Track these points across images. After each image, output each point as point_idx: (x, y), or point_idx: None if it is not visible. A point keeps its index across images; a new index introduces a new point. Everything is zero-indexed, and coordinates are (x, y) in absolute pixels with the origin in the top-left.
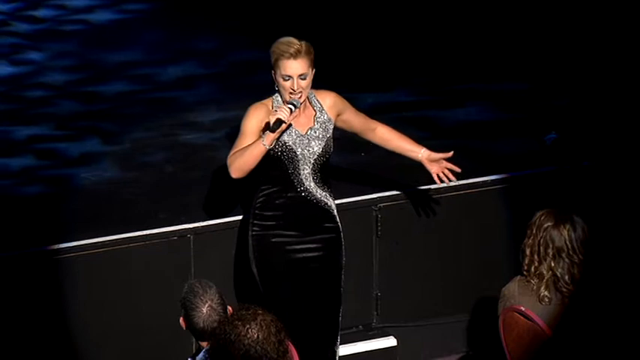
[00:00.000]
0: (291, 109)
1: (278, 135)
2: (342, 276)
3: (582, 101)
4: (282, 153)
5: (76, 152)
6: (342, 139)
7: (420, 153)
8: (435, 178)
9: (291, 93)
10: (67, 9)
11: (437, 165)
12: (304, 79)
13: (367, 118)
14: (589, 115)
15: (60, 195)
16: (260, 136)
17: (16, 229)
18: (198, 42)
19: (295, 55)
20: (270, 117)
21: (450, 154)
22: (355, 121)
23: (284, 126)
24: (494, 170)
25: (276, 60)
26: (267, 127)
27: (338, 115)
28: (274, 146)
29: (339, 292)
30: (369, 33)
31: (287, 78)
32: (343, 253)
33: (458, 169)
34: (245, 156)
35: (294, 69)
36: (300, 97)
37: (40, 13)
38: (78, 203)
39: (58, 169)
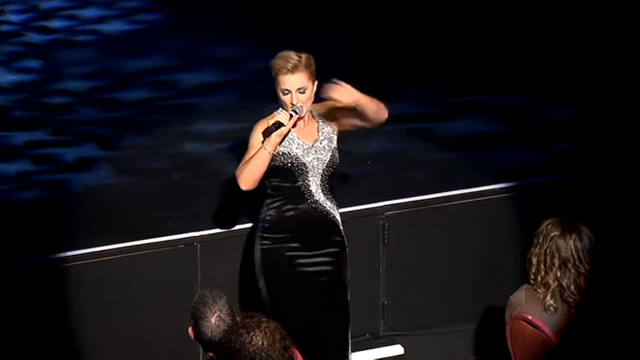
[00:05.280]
0: (291, 114)
1: (280, 140)
2: (348, 290)
3: (591, 109)
4: (291, 165)
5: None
6: (349, 149)
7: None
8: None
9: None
10: (80, 19)
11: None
12: (303, 92)
13: None
14: (599, 124)
15: (66, 202)
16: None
17: (19, 237)
18: (216, 50)
19: (293, 70)
20: (270, 119)
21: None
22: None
23: (285, 130)
24: (502, 178)
25: (275, 75)
26: (269, 133)
27: (338, 112)
28: (284, 158)
29: (347, 307)
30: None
31: (286, 92)
32: (348, 267)
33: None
34: (250, 165)
35: (292, 83)
36: (302, 106)
37: (54, 24)
38: (85, 210)
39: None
